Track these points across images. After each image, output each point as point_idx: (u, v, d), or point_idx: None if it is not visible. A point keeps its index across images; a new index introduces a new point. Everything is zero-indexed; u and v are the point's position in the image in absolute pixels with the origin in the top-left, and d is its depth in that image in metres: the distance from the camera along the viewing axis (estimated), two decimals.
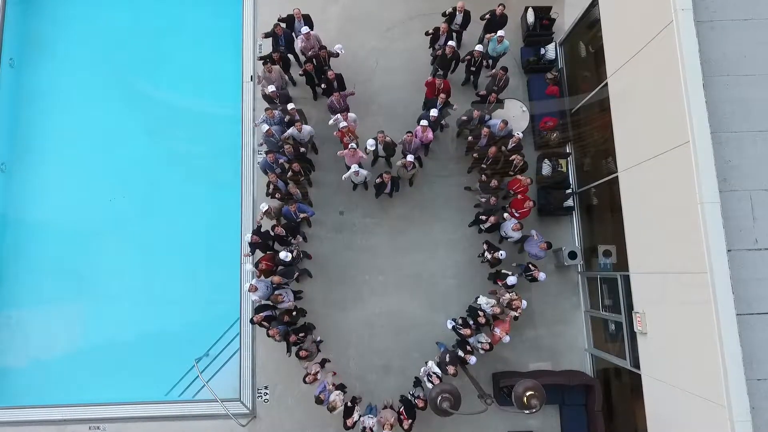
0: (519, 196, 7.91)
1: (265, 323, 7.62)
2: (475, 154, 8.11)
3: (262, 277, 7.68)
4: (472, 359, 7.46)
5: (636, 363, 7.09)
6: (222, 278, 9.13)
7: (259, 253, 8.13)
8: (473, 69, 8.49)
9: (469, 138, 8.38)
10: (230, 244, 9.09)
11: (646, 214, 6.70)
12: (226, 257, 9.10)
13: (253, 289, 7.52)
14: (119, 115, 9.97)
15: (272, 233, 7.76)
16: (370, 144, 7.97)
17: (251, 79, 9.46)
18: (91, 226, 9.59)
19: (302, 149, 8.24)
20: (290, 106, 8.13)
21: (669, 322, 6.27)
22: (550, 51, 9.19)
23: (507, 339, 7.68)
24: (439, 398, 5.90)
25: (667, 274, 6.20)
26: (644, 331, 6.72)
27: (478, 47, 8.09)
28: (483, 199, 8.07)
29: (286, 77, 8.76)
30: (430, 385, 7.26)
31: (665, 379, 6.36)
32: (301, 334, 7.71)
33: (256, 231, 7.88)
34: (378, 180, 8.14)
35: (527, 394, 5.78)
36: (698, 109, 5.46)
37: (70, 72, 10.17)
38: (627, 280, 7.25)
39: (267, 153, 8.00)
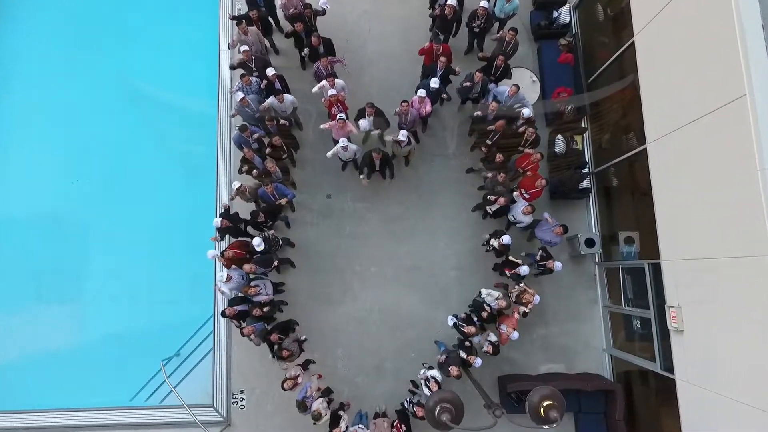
0: (529, 173, 6.92)
1: (235, 320, 6.62)
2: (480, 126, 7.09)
3: (234, 267, 6.66)
4: (478, 361, 6.47)
5: (668, 366, 6.10)
6: (194, 271, 8.15)
7: (230, 240, 7.14)
8: (476, 30, 7.46)
9: (476, 114, 7.30)
10: (203, 235, 7.98)
11: (683, 191, 5.69)
12: (199, 248, 8.00)
13: (228, 278, 6.53)
14: (84, 90, 8.95)
15: (251, 218, 6.77)
16: (363, 125, 7.01)
17: (228, 47, 8.47)
18: (50, 216, 8.58)
19: (283, 122, 7.24)
20: (270, 71, 7.12)
21: (714, 318, 5.28)
22: (564, 14, 8.20)
23: (515, 335, 6.72)
24: (438, 409, 4.90)
25: (712, 260, 5.20)
26: (680, 328, 5.72)
27: (483, 3, 7.08)
28: (489, 175, 7.05)
29: (266, 42, 7.75)
30: (428, 392, 6.28)
31: (707, 385, 5.37)
32: (281, 335, 6.71)
33: (225, 214, 6.85)
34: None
35: (544, 404, 4.77)
36: (758, 54, 4.45)
37: (31, 41, 9.16)
38: (656, 269, 6.27)
39: (241, 129, 7.00)
